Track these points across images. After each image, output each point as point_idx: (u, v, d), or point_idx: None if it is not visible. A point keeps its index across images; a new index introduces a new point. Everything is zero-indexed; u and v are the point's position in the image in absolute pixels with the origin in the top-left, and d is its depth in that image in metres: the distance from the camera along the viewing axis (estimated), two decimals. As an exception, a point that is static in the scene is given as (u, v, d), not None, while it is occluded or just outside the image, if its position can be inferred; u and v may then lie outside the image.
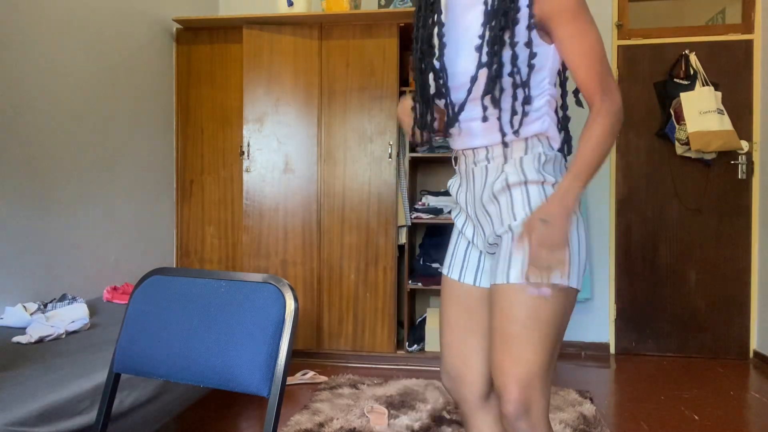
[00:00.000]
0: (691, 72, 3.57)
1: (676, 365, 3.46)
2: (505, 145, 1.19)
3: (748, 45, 3.59)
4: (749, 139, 3.58)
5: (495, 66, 1.14)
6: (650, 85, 3.69)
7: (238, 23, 3.45)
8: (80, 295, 2.65)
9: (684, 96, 3.47)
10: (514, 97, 1.16)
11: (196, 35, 3.59)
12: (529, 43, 1.14)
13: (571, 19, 1.12)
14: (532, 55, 1.14)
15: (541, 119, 1.19)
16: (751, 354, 3.60)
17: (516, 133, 1.17)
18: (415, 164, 3.75)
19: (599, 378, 3.22)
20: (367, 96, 3.33)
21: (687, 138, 3.46)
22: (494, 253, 1.25)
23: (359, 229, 3.35)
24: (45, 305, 2.29)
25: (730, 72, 3.61)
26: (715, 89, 3.50)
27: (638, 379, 3.18)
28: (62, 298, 2.41)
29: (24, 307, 2.17)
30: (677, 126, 3.53)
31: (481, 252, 1.31)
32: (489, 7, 1.16)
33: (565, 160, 1.25)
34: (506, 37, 1.14)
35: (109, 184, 2.93)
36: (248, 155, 3.39)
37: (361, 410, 2.55)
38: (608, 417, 2.61)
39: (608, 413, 2.66)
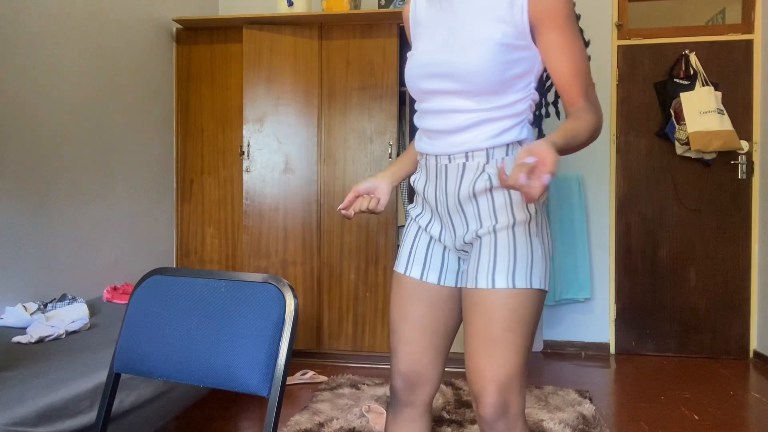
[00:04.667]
0: (691, 72, 3.57)
1: (676, 365, 3.46)
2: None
3: (748, 45, 3.59)
4: (749, 139, 3.58)
5: None
6: (650, 85, 3.69)
7: (238, 23, 3.45)
8: (80, 295, 2.65)
9: (684, 96, 3.47)
10: None
11: (196, 35, 3.59)
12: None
13: (562, 26, 1.11)
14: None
15: (521, 124, 1.18)
16: (751, 354, 3.60)
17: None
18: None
19: (599, 378, 3.22)
20: (367, 96, 3.33)
21: (687, 138, 3.46)
22: (467, 252, 1.25)
23: (359, 229, 3.35)
24: (45, 305, 2.29)
25: (730, 72, 3.61)
26: (715, 89, 3.50)
27: (638, 379, 3.18)
28: (62, 298, 2.41)
29: (24, 307, 2.17)
30: (677, 126, 3.53)
31: (445, 249, 1.28)
32: None
33: None
34: None
35: (109, 184, 2.93)
36: (248, 155, 3.39)
37: (361, 410, 2.55)
38: (608, 417, 2.61)
39: (608, 413, 2.66)
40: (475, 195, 1.17)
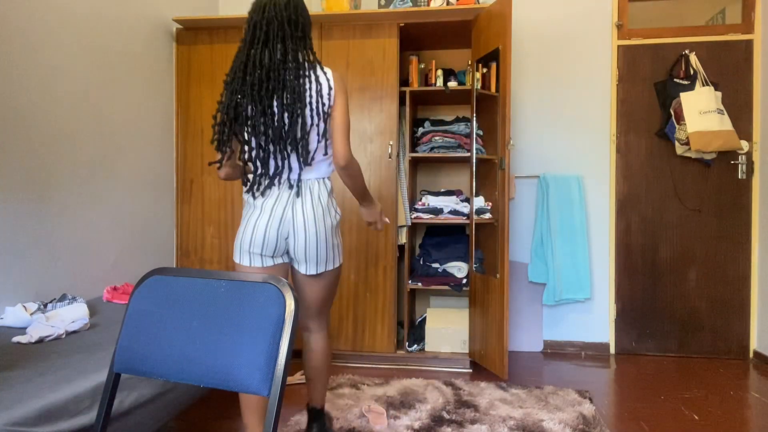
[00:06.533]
0: (691, 72, 3.57)
1: (676, 365, 3.46)
2: None
3: (748, 45, 3.60)
4: (749, 139, 3.59)
5: None
6: (650, 85, 3.70)
7: (238, 23, 3.45)
8: (80, 295, 2.65)
9: (684, 96, 3.47)
10: None
11: (196, 35, 3.59)
12: None
13: None
14: None
15: None
16: (751, 354, 3.60)
17: None
18: (415, 164, 3.75)
19: (599, 378, 3.22)
20: (367, 96, 3.33)
21: (687, 138, 3.46)
22: None
23: (359, 229, 3.35)
24: (45, 305, 2.29)
25: (730, 72, 3.61)
26: (715, 89, 3.50)
27: (638, 379, 3.18)
28: (62, 298, 2.41)
29: (24, 307, 2.17)
30: (677, 126, 3.53)
31: None
32: None
33: (258, 186, 2.15)
34: None
35: (109, 184, 2.93)
36: (248, 155, 3.38)
37: (360, 410, 2.55)
38: (608, 417, 2.61)
39: (608, 413, 2.66)
40: None
